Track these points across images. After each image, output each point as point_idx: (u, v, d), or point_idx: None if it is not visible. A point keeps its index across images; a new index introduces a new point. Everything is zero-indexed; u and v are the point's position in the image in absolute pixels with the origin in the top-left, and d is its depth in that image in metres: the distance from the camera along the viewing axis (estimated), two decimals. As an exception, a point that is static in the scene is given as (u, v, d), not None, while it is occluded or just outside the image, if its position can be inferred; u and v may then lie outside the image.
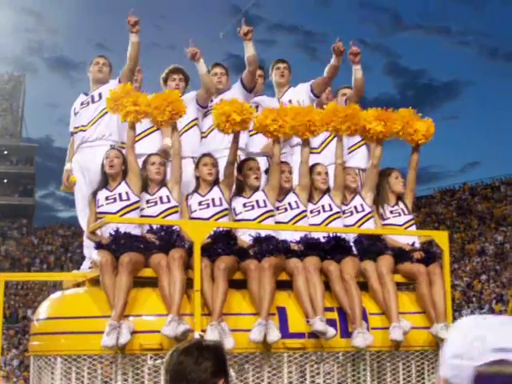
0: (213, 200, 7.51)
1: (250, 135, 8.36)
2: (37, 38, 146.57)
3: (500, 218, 49.25)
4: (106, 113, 8.08)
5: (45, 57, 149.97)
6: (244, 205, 7.61)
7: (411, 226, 8.15)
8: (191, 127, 8.29)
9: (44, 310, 7.33)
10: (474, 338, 1.83)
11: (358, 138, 8.70)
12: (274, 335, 6.69)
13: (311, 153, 8.10)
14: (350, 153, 8.75)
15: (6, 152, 74.57)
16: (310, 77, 8.85)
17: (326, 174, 8.03)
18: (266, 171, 7.90)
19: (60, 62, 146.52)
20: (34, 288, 49.90)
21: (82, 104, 8.36)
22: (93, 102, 8.28)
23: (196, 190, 7.62)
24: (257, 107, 8.45)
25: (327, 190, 8.02)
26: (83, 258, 8.26)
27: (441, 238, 7.89)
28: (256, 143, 8.41)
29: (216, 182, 7.62)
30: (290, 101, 8.42)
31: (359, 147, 8.85)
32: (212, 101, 8.54)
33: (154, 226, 7.20)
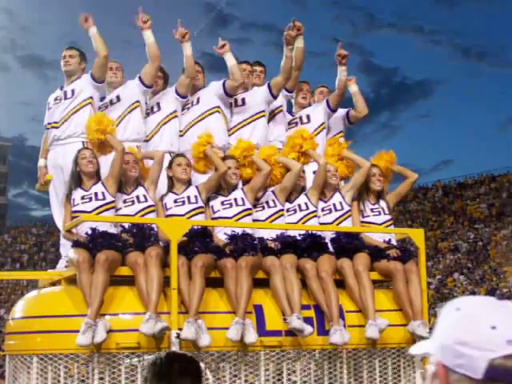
0: (188, 198, 7.51)
1: (230, 135, 8.37)
2: (9, 36, 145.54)
3: (473, 216, 49.58)
4: (78, 110, 8.05)
5: (17, 55, 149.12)
6: (222, 203, 7.62)
7: (389, 225, 8.19)
8: (170, 120, 8.28)
9: (20, 308, 7.28)
10: (486, 326, 1.70)
11: (336, 130, 8.85)
12: (252, 337, 6.70)
13: None
14: None
15: (-22, 151, 74.06)
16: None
17: (303, 171, 8.06)
18: None
19: (33, 59, 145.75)
20: (8, 287, 49.58)
21: (55, 99, 8.26)
22: (65, 98, 8.16)
23: (170, 190, 7.61)
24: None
25: (303, 189, 8.04)
26: (57, 257, 8.22)
27: (417, 235, 7.92)
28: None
29: (190, 182, 7.63)
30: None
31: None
32: (188, 98, 8.51)
33: (127, 226, 7.19)
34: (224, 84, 8.36)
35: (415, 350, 1.91)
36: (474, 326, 1.71)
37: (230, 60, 8.28)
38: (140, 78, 8.21)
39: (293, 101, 9.05)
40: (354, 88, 8.81)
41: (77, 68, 8.26)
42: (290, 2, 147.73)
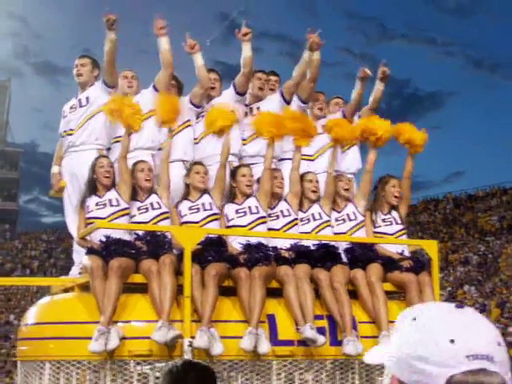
0: (203, 205, 7.51)
1: (244, 144, 8.36)
2: (22, 43, 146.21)
3: (484, 229, 49.40)
4: (93, 116, 8.07)
5: (30, 61, 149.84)
6: (236, 211, 7.62)
7: (402, 235, 8.16)
8: (183, 129, 8.25)
9: (33, 314, 7.30)
10: (445, 340, 1.61)
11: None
12: (265, 347, 6.69)
13: (305, 159, 8.18)
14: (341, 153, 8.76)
15: (-10, 156, 74.27)
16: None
17: (317, 181, 8.05)
18: (258, 180, 7.88)
19: (46, 66, 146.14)
20: (17, 293, 49.60)
21: (71, 108, 8.29)
22: (80, 105, 8.20)
23: (186, 197, 7.62)
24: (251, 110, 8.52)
25: (317, 199, 8.04)
26: (67, 263, 8.24)
27: (430, 247, 7.90)
28: (250, 150, 8.37)
29: (206, 190, 7.63)
30: None
31: (349, 148, 8.82)
32: (204, 106, 8.50)
33: (140, 233, 7.19)
34: (234, 83, 8.38)
35: (370, 358, 1.81)
36: (432, 340, 1.62)
37: (246, 50, 8.26)
38: (154, 86, 8.22)
39: (308, 111, 9.01)
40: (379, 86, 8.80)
41: (89, 76, 8.28)
42: (303, 13, 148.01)
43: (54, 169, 8.38)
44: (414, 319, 1.70)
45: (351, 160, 8.77)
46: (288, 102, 8.51)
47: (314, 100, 8.89)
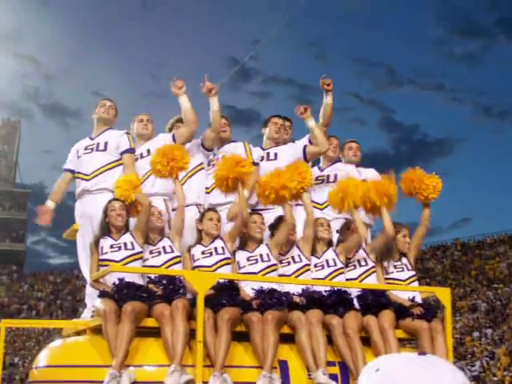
0: (215, 249, 7.52)
1: None
2: (33, 84, 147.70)
3: (492, 275, 49.19)
4: (111, 168, 8.10)
5: (40, 103, 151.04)
6: (248, 258, 7.61)
7: (414, 281, 8.15)
8: (196, 172, 8.29)
9: (44, 357, 7.25)
10: None
11: None
12: None
13: (314, 207, 8.17)
14: None
15: (-1, 197, 74.59)
16: (305, 129, 8.74)
17: (329, 225, 8.05)
18: (270, 226, 7.87)
19: (55, 108, 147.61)
20: (22, 335, 49.42)
21: (86, 148, 8.31)
22: (97, 149, 8.20)
23: (199, 242, 7.62)
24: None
25: (331, 244, 8.02)
26: (73, 305, 8.23)
27: (443, 294, 7.86)
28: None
29: (219, 235, 7.64)
30: None
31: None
32: (214, 151, 8.52)
33: (153, 276, 7.19)
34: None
35: None
36: None
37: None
38: (173, 136, 8.23)
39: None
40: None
41: (113, 119, 8.35)
42: (312, 58, 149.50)
43: (48, 202, 8.36)
44: (377, 370, 1.68)
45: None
46: (307, 161, 8.52)
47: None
